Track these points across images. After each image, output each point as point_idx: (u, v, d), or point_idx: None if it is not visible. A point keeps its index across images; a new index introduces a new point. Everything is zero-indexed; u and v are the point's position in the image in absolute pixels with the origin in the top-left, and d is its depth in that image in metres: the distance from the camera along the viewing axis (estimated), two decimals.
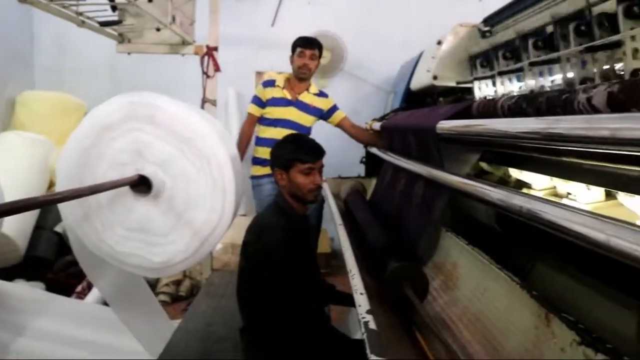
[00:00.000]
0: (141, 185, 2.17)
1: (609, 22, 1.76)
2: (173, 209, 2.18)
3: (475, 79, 3.05)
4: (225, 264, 4.72)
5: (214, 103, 4.31)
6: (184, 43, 4.20)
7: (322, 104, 3.75)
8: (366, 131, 3.84)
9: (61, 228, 4.88)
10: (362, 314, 1.19)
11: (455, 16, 3.54)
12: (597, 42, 1.75)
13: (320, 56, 3.72)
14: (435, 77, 3.45)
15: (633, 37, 1.56)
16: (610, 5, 1.71)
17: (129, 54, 4.29)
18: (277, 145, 2.31)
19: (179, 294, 4.86)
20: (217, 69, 4.26)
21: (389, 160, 2.83)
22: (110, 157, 2.19)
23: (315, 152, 2.24)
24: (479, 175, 2.67)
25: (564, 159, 1.55)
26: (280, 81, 3.71)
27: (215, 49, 4.25)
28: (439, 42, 3.48)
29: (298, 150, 2.23)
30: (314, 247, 2.57)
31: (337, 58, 6.16)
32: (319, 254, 3.74)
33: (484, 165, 2.61)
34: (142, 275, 3.02)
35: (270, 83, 3.72)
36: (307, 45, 3.64)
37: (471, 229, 2.15)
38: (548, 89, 2.19)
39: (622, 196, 1.66)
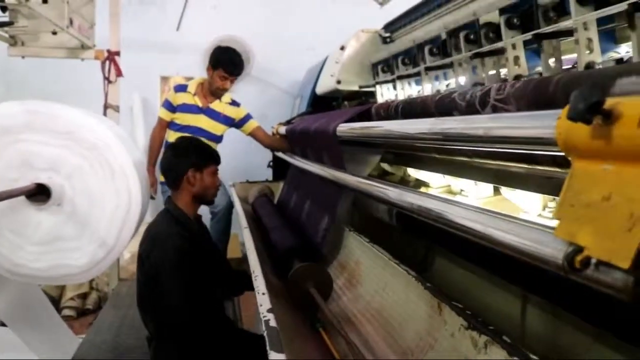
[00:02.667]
0: (39, 194, 2.10)
1: (494, 32, 1.88)
2: (79, 207, 2.13)
3: (377, 83, 3.15)
4: (132, 273, 4.59)
5: (116, 109, 4.19)
6: (84, 47, 4.04)
7: (234, 113, 3.73)
8: (279, 139, 3.82)
9: None
10: (263, 313, 1.22)
11: (360, 21, 3.64)
12: (484, 49, 1.88)
13: None
14: (339, 82, 3.51)
15: (514, 45, 1.69)
16: (494, 16, 1.83)
17: (22, 57, 4.09)
18: (182, 149, 2.31)
19: (85, 307, 4.68)
20: (119, 74, 4.15)
21: (295, 163, 2.88)
22: None
23: (218, 154, 2.35)
24: (381, 176, 2.77)
25: (455, 157, 1.65)
26: (192, 87, 3.66)
27: (117, 53, 4.14)
28: (342, 48, 3.56)
29: (210, 153, 2.32)
30: (215, 248, 2.59)
31: (244, 63, 6.14)
32: (230, 259, 3.73)
33: (385, 166, 2.70)
34: (42, 291, 2.90)
35: (182, 88, 3.67)
36: (234, 72, 3.61)
37: (374, 227, 2.24)
38: (442, 92, 2.31)
39: (505, 191, 1.79)
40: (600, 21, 1.38)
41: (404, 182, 2.63)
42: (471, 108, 1.15)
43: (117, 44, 4.17)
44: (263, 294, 1.36)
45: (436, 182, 2.34)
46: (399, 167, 2.66)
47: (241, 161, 5.20)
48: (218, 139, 3.71)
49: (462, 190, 2.16)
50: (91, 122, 2.15)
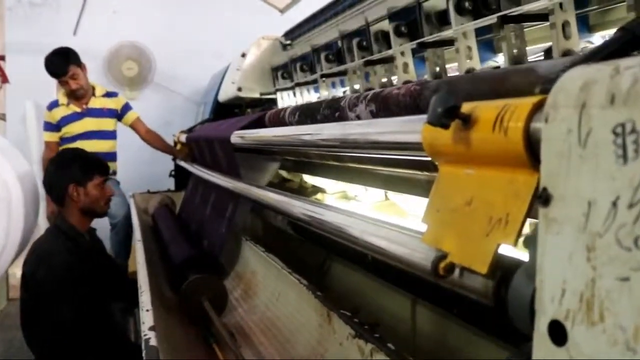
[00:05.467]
0: None
1: (384, 39, 1.90)
2: None
3: (277, 90, 3.14)
4: None
5: (2, 117, 3.92)
6: None
7: (114, 104, 3.68)
8: (160, 138, 3.84)
9: None
10: (144, 331, 1.15)
11: (265, 28, 3.62)
12: (374, 57, 1.90)
13: (79, 64, 3.54)
14: (239, 89, 3.47)
15: (402, 53, 1.72)
16: (385, 24, 1.86)
17: None
18: (62, 163, 2.18)
19: None
20: (4, 80, 3.89)
21: (194, 172, 2.81)
22: None
23: (106, 164, 2.21)
24: (280, 183, 2.75)
25: (348, 164, 1.66)
26: (62, 98, 3.57)
27: (2, 57, 3.88)
28: (243, 55, 3.52)
29: (94, 164, 2.19)
30: (111, 261, 2.47)
31: (145, 70, 5.94)
32: (134, 272, 3.59)
33: (283, 173, 2.69)
34: None
35: (54, 104, 3.58)
36: (57, 74, 3.47)
37: (274, 235, 2.22)
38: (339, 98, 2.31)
39: (392, 195, 1.82)
40: (479, 31, 1.44)
41: (302, 189, 2.63)
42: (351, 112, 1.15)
43: (2, 47, 3.91)
44: (147, 310, 1.29)
45: (332, 188, 2.35)
46: (297, 173, 2.66)
47: (144, 171, 5.01)
48: (112, 135, 3.66)
49: (356, 196, 2.19)
50: None
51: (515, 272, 0.56)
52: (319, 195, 2.44)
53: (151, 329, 1.16)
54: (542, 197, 0.49)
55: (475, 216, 0.60)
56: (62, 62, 3.43)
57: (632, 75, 0.43)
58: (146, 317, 1.24)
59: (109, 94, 3.72)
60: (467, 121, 0.60)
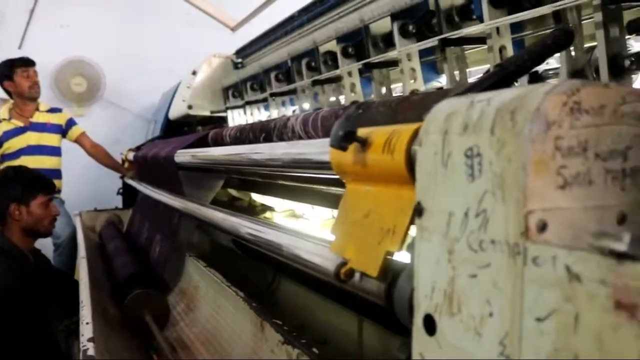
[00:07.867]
0: None
1: (332, 60, 1.98)
2: None
3: (228, 108, 3.19)
4: None
5: None
6: None
7: (59, 119, 3.70)
8: (106, 153, 3.86)
9: None
10: (83, 343, 1.19)
11: (219, 45, 3.67)
12: (322, 77, 1.98)
13: None
14: (190, 107, 3.51)
15: (350, 73, 1.81)
16: (332, 45, 1.94)
17: None
18: (3, 182, 2.17)
19: None
20: None
21: (140, 189, 2.84)
22: None
23: (51, 182, 2.19)
24: (230, 201, 2.80)
25: (295, 183, 1.73)
26: (4, 114, 3.55)
27: None
28: (194, 72, 3.56)
29: (38, 183, 2.15)
30: (60, 278, 2.45)
31: (94, 86, 5.86)
32: None
33: (233, 191, 2.74)
34: None
35: None
36: (29, 63, 3.53)
37: (223, 253, 2.27)
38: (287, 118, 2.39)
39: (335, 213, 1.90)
40: (423, 53, 1.52)
41: (251, 207, 2.68)
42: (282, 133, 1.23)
43: None
44: (87, 323, 1.33)
45: (280, 206, 2.42)
46: (245, 192, 2.72)
47: (91, 188, 4.95)
48: (57, 151, 3.65)
49: (303, 214, 2.26)
50: None
51: (401, 275, 0.64)
52: (267, 214, 2.50)
53: (90, 340, 1.20)
54: (417, 210, 0.58)
55: (370, 227, 0.68)
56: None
57: (480, 108, 0.52)
58: (86, 329, 1.28)
59: (52, 110, 3.73)
60: (364, 144, 0.69)
